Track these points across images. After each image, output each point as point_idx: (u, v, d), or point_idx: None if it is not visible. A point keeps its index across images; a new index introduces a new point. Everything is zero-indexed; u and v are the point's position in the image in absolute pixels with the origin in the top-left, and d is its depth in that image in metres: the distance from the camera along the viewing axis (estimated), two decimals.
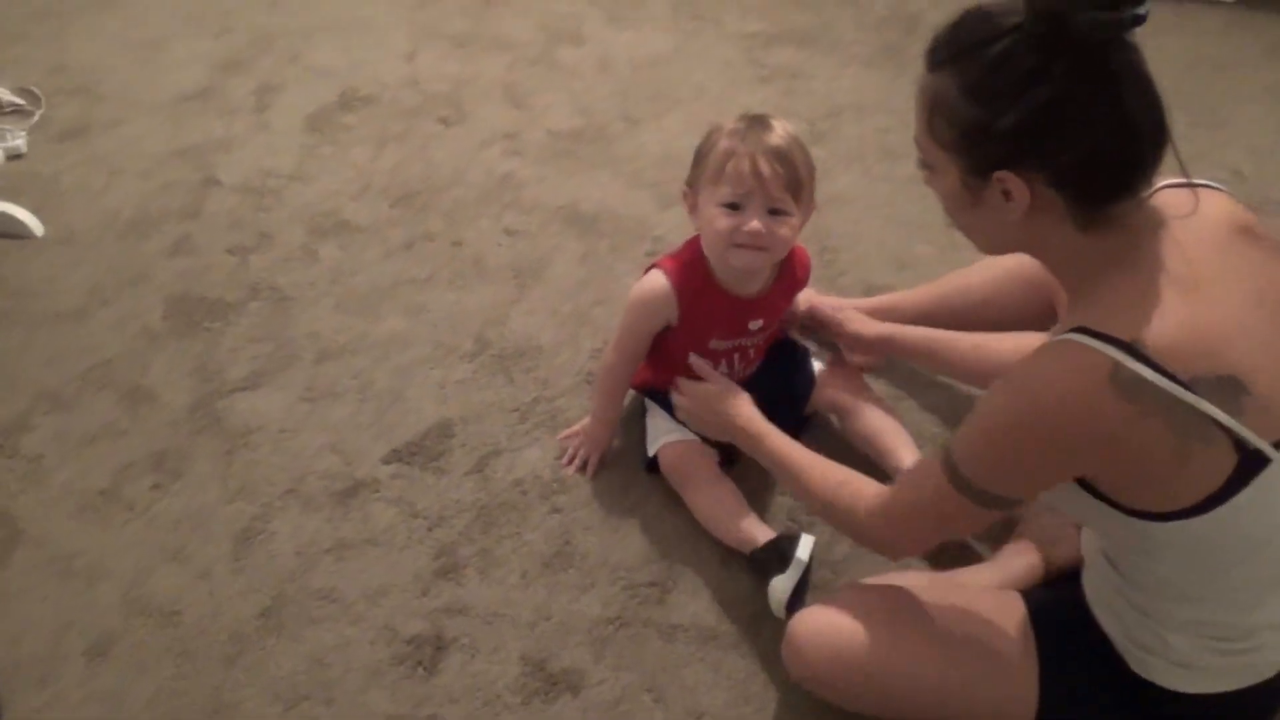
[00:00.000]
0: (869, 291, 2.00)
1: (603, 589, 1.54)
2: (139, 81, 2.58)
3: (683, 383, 1.59)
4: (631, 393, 1.75)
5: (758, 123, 1.47)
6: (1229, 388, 0.97)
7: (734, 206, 1.46)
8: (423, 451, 1.74)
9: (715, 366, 1.61)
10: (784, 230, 1.47)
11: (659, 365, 1.67)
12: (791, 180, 1.44)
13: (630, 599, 1.53)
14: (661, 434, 1.66)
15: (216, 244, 2.13)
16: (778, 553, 1.47)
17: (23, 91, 2.51)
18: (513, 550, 1.60)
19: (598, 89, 2.56)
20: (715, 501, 1.58)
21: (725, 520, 1.56)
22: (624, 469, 1.70)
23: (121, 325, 1.95)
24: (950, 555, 1.55)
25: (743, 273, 1.53)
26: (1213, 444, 0.98)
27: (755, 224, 1.45)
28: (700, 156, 1.51)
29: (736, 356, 1.63)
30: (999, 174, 1.02)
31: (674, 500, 1.63)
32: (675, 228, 2.16)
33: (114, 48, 2.70)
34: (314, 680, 1.44)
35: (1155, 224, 1.04)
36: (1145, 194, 1.04)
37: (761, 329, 1.61)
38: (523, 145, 2.38)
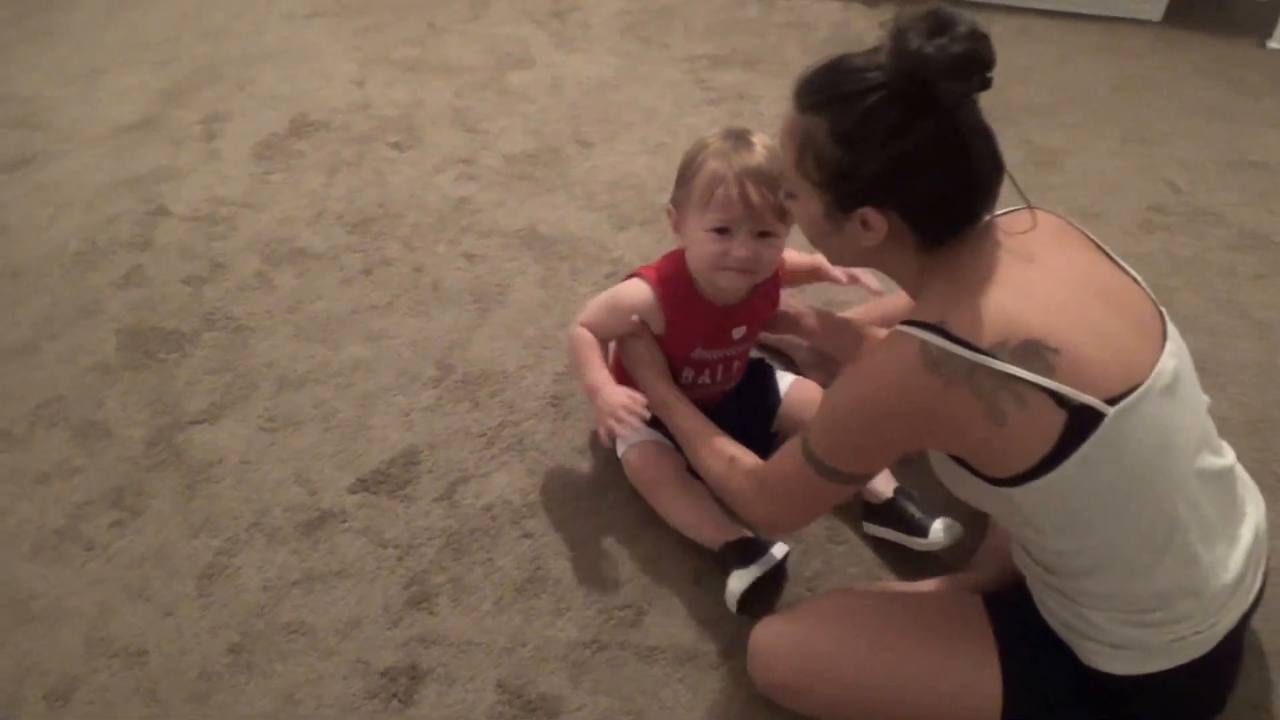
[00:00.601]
0: (830, 305, 2.03)
1: (578, 613, 1.54)
2: (81, 113, 2.54)
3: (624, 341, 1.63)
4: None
5: (742, 142, 1.47)
6: (1033, 351, 1.07)
7: (722, 230, 1.46)
8: (389, 480, 1.72)
9: (698, 378, 1.63)
10: (771, 252, 1.49)
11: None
12: (779, 204, 1.44)
13: (606, 622, 1.53)
14: (630, 436, 1.66)
15: (169, 274, 2.09)
16: (742, 550, 1.50)
17: None
18: (485, 577, 1.58)
19: (549, 112, 2.57)
20: (685, 502, 1.59)
21: (696, 521, 1.57)
22: (593, 492, 1.70)
23: (73, 359, 1.91)
24: (914, 566, 1.57)
25: (728, 290, 1.55)
26: (1028, 403, 1.07)
27: (744, 252, 1.46)
28: (685, 177, 1.50)
29: (720, 368, 1.64)
30: (861, 210, 1.15)
31: (646, 520, 1.64)
32: (632, 249, 2.17)
33: (54, 79, 2.65)
34: (287, 717, 1.42)
35: (986, 237, 1.17)
36: (983, 220, 1.18)
37: (745, 337, 1.62)
38: (477, 169, 2.38)
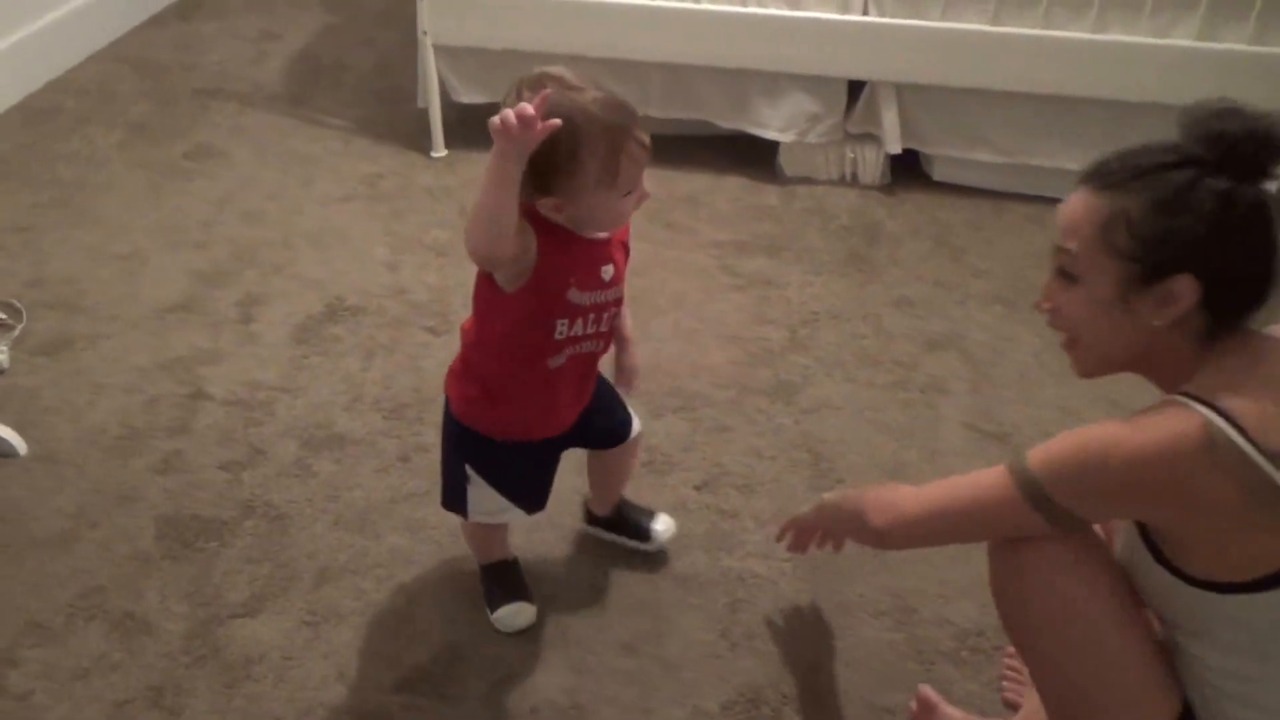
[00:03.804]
0: None
1: None
2: (119, 294, 2.58)
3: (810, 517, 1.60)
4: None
5: (573, 90, 1.36)
6: None
7: (631, 191, 1.43)
8: (432, 678, 1.69)
9: (571, 329, 1.50)
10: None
11: (500, 377, 1.55)
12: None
13: None
14: (482, 510, 1.69)
15: (208, 460, 2.10)
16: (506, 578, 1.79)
17: (3, 305, 2.50)
18: None
19: None
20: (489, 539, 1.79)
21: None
22: (638, 691, 1.67)
23: (111, 548, 1.89)
24: None
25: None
26: None
27: (647, 193, 1.46)
28: (569, 161, 1.36)
29: (592, 316, 1.51)
30: (1171, 280, 1.17)
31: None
32: (669, 437, 2.19)
33: (92, 260, 2.71)
34: None
35: (1263, 338, 1.21)
36: (1260, 317, 1.22)
37: (612, 281, 1.52)
38: None
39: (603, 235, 1.50)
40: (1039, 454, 1.23)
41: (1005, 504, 1.24)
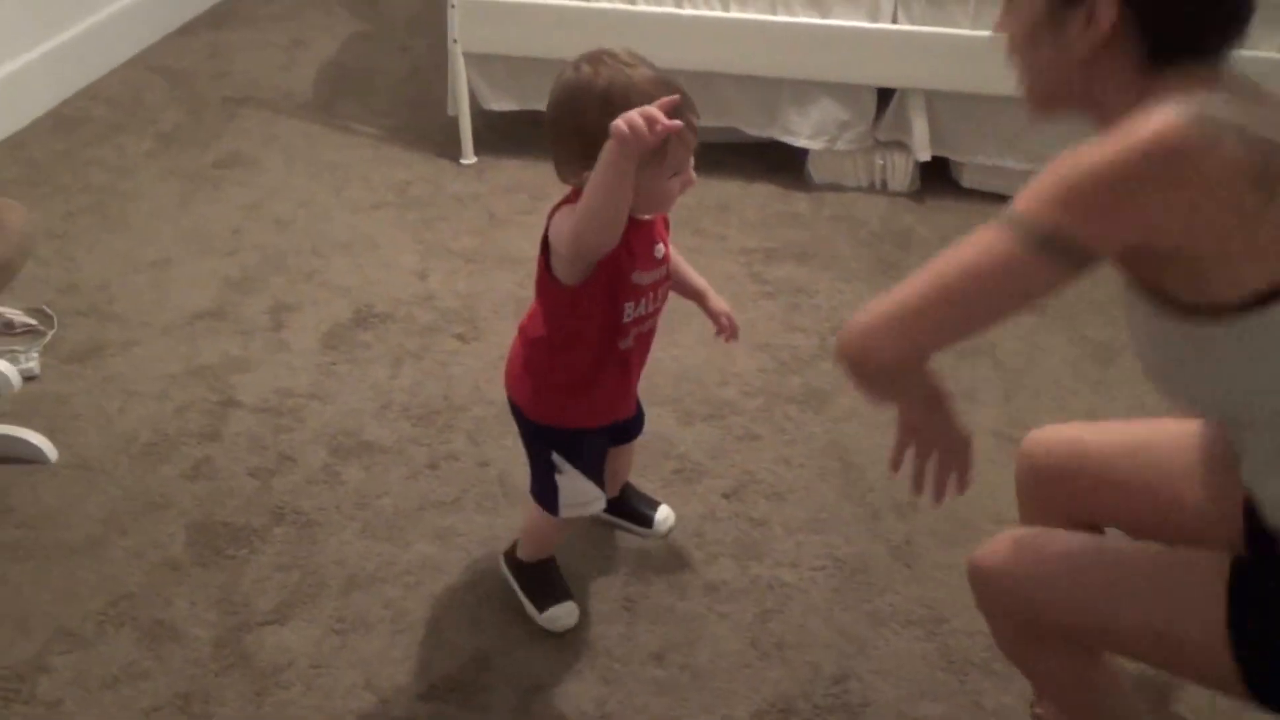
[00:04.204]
0: (896, 508, 2.02)
1: None
2: (151, 301, 2.60)
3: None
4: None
5: (624, 66, 1.44)
6: None
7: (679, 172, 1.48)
8: (461, 688, 1.68)
9: (636, 308, 1.54)
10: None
11: (577, 368, 1.58)
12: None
13: None
14: (573, 503, 1.68)
15: (238, 467, 2.10)
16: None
17: (35, 312, 2.51)
18: None
19: None
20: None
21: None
22: (669, 702, 1.65)
23: (141, 555, 1.90)
24: None
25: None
26: None
27: (694, 175, 1.51)
28: None
29: (651, 294, 1.57)
30: None
31: None
32: (699, 445, 2.18)
33: (124, 267, 2.73)
34: None
35: (1224, 72, 1.11)
36: (1217, 63, 1.11)
37: (664, 258, 1.58)
38: None
39: (649, 216, 1.53)
40: (1022, 199, 1.10)
41: (1004, 257, 1.09)
